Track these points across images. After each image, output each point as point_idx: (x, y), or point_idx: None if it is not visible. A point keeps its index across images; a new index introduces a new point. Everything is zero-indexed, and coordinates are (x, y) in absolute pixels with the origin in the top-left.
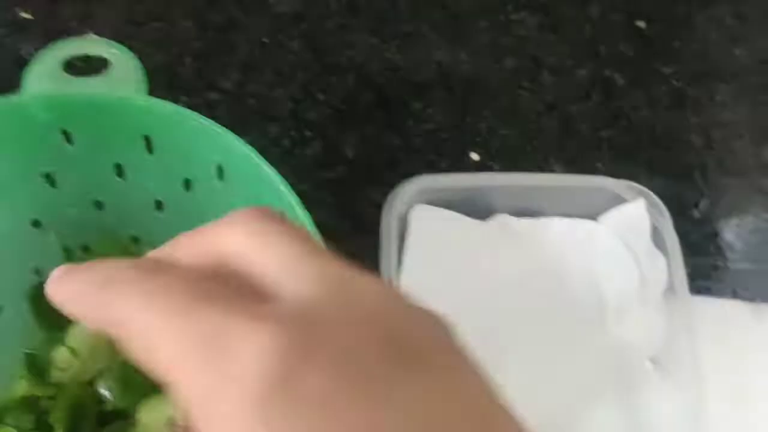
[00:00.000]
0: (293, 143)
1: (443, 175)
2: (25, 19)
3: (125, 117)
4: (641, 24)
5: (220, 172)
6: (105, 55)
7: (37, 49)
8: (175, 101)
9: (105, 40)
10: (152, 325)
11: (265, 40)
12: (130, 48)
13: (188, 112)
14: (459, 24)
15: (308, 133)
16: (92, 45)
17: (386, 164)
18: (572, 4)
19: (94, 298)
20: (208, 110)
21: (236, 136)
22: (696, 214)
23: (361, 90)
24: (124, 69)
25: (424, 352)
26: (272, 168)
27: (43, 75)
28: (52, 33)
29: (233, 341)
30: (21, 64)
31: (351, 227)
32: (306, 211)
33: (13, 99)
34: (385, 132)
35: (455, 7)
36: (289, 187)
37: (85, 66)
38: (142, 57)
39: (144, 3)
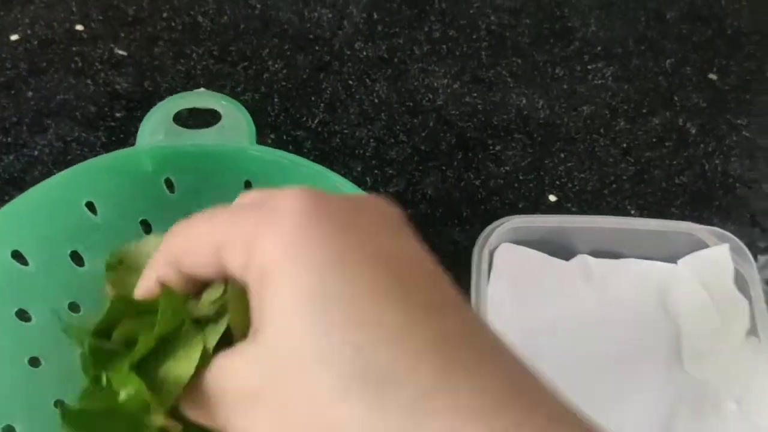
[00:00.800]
0: (376, 181)
1: (531, 216)
2: (120, 55)
3: (230, 165)
4: (713, 76)
5: None
6: (215, 107)
7: (131, 85)
8: (263, 138)
9: (215, 93)
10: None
11: (350, 82)
12: (222, 86)
13: (296, 158)
14: (537, 72)
15: (390, 172)
16: (203, 98)
17: (466, 204)
18: (646, 56)
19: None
20: (295, 147)
21: (344, 179)
22: None
23: (441, 132)
24: (235, 120)
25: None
26: None
27: (156, 128)
28: (147, 70)
29: (272, 200)
30: (115, 98)
31: None
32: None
33: (125, 151)
34: (465, 173)
35: (533, 56)
36: None
37: (196, 118)
38: (232, 96)
39: (237, 44)
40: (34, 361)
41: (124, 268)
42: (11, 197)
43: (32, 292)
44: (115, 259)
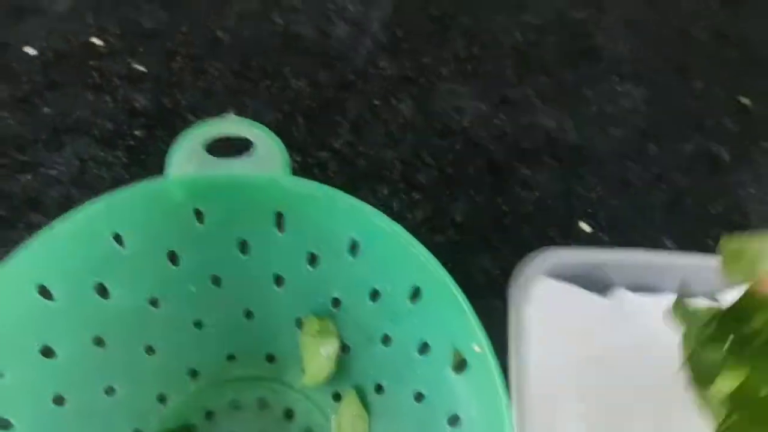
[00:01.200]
0: (402, 205)
1: (567, 250)
2: (139, 71)
3: (262, 196)
4: (745, 100)
5: (354, 247)
6: (247, 135)
7: (149, 102)
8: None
9: (247, 120)
10: None
11: (375, 101)
12: (243, 104)
13: (332, 190)
14: (565, 93)
15: (417, 196)
16: (234, 126)
17: (494, 230)
18: (676, 78)
19: None
20: (320, 169)
21: (380, 212)
22: None
23: (469, 154)
24: (267, 148)
25: None
26: (420, 244)
27: (186, 157)
28: (165, 86)
29: None
30: (134, 115)
31: None
32: (458, 288)
33: (156, 183)
34: (494, 198)
35: (561, 76)
36: (438, 264)
37: (224, 142)
38: (254, 114)
39: (258, 60)
40: (58, 400)
41: (746, 258)
42: (29, 218)
43: (57, 327)
44: (736, 246)
